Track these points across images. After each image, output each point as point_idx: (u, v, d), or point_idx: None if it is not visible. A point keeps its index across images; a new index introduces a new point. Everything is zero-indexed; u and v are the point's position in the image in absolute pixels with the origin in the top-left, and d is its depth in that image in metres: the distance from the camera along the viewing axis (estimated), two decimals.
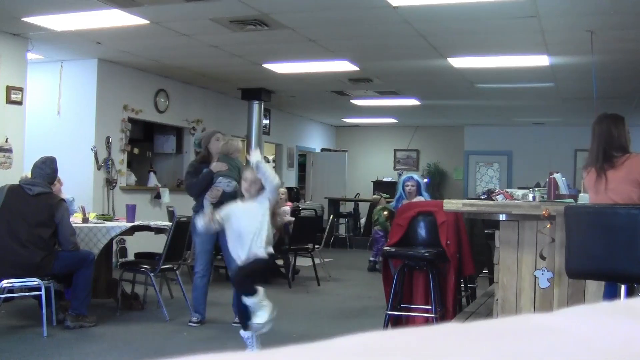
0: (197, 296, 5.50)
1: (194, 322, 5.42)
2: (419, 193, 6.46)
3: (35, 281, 4.93)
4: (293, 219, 8.22)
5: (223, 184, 5.38)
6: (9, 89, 7.22)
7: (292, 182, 14.48)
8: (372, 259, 9.43)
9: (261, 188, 4.14)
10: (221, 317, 5.68)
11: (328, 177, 15.16)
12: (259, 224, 4.06)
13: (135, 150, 9.75)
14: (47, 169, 5.22)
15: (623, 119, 4.00)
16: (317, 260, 8.16)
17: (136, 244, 7.70)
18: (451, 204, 4.23)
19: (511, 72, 8.60)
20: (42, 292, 4.88)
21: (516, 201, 4.25)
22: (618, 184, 3.74)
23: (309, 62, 8.51)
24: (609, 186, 3.76)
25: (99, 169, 8.64)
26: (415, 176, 6.68)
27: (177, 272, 6.04)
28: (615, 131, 3.88)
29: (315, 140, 15.92)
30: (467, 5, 5.76)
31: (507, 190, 4.61)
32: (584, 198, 4.14)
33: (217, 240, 5.48)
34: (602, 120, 3.96)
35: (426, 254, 4.72)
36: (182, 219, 5.86)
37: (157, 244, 6.43)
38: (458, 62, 8.16)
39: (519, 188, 5.44)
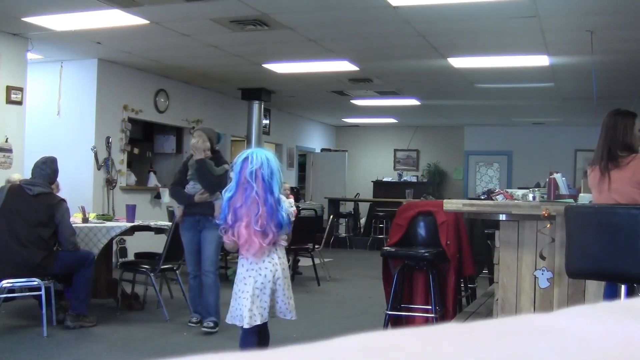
0: (192, 297, 5.50)
1: (193, 323, 5.41)
2: (265, 190, 3.41)
3: (35, 281, 4.93)
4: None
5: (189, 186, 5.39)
6: (9, 89, 7.22)
7: (292, 182, 14.49)
8: None
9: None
10: (221, 317, 5.68)
11: (328, 177, 15.17)
12: None
13: (135, 150, 9.75)
14: (47, 169, 5.22)
15: (634, 116, 3.86)
16: (317, 260, 8.16)
17: (136, 244, 7.70)
18: (451, 204, 4.23)
19: (511, 72, 8.60)
20: (42, 292, 4.88)
21: (516, 201, 4.24)
22: (622, 185, 3.68)
23: (309, 62, 8.51)
24: (612, 186, 3.70)
25: (99, 169, 8.64)
26: (261, 154, 3.46)
27: (177, 272, 6.04)
28: (622, 129, 3.75)
29: (315, 140, 15.93)
30: (467, 5, 5.76)
31: (507, 190, 4.61)
32: (584, 198, 4.13)
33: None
34: (612, 117, 3.84)
35: (426, 254, 4.72)
36: None
37: (157, 244, 6.43)
38: (458, 62, 8.16)
39: (519, 188, 5.44)
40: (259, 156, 3.44)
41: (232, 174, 3.57)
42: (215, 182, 5.21)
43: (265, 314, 3.47)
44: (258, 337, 3.61)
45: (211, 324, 5.22)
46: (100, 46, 7.76)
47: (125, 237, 7.90)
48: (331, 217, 10.74)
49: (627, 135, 3.76)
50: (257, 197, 3.39)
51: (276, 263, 3.52)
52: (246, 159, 3.44)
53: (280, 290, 3.51)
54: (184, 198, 5.35)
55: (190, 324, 5.41)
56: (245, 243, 3.43)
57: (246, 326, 3.44)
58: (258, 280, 3.47)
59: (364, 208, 14.51)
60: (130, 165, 9.64)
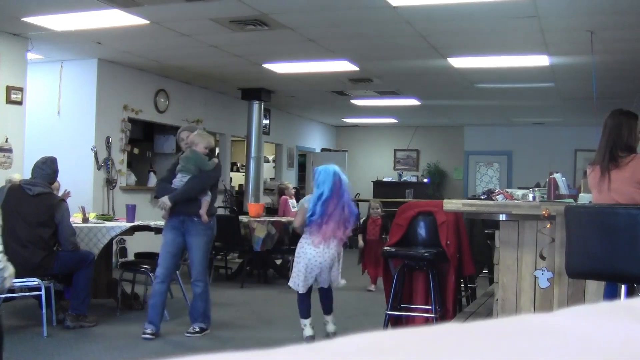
0: (153, 303, 4.99)
1: (148, 334, 4.91)
2: (349, 197, 4.85)
3: (35, 281, 4.93)
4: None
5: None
6: (9, 89, 7.22)
7: (293, 182, 14.48)
8: None
9: None
10: (221, 317, 5.68)
11: None
12: None
13: (135, 150, 9.76)
14: (47, 169, 5.22)
15: (637, 117, 3.88)
16: None
17: (136, 244, 7.70)
18: (451, 204, 4.23)
19: (511, 72, 8.59)
20: (42, 292, 4.88)
21: (516, 201, 4.24)
22: (621, 185, 3.69)
23: (309, 62, 8.51)
24: (612, 186, 3.71)
25: (99, 169, 8.64)
26: (340, 171, 4.84)
27: (177, 272, 6.03)
28: (626, 130, 3.78)
29: (315, 140, 15.92)
30: (467, 5, 5.76)
31: (507, 190, 4.61)
32: (584, 198, 4.13)
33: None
34: (615, 117, 3.85)
35: (426, 254, 4.72)
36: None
37: (157, 244, 6.41)
38: (458, 62, 8.16)
39: (519, 188, 5.44)
40: (341, 173, 4.77)
41: (316, 182, 4.73)
42: (206, 178, 5.07)
43: (311, 282, 4.74)
44: (321, 296, 4.92)
45: (197, 329, 5.05)
46: (100, 46, 7.76)
47: (125, 237, 7.90)
48: None
49: (631, 137, 3.79)
50: (345, 203, 4.68)
51: (333, 247, 4.70)
52: (335, 173, 4.71)
53: (335, 266, 4.75)
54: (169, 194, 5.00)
55: (144, 335, 4.90)
56: (327, 233, 4.63)
57: (301, 291, 4.72)
58: (318, 260, 4.66)
59: (364, 208, 14.50)
60: (130, 165, 9.65)
